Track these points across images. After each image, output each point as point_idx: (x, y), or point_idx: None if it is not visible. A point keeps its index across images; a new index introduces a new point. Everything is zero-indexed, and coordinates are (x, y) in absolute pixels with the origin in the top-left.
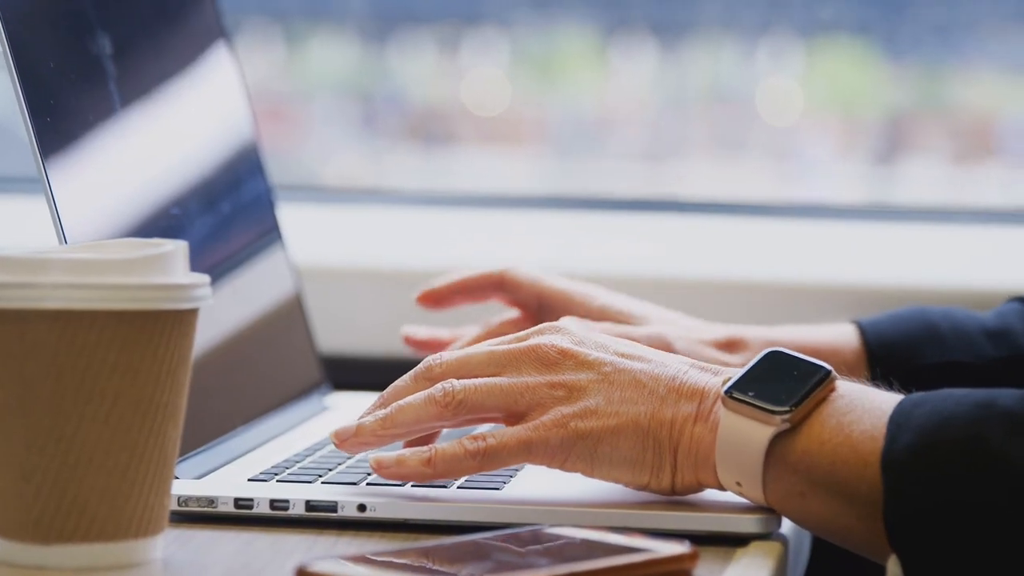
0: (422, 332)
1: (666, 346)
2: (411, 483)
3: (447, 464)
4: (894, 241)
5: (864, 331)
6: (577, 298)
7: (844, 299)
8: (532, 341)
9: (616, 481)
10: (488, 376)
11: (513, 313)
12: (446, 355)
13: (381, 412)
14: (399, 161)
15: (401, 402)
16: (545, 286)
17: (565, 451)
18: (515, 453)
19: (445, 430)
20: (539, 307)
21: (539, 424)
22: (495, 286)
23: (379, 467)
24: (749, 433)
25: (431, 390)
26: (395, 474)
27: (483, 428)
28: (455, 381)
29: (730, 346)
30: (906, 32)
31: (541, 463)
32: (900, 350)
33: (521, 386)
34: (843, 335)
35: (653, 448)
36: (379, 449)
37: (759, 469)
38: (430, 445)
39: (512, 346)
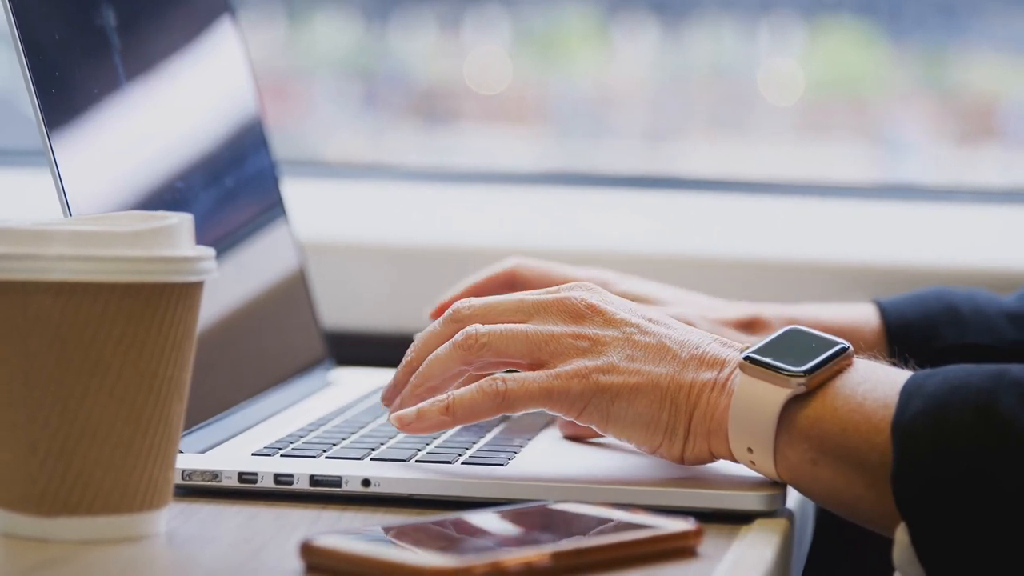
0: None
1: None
2: (418, 444)
3: (466, 409)
4: (901, 220)
5: (884, 311)
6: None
7: (849, 278)
8: (562, 294)
9: (628, 439)
10: (514, 323)
11: None
12: (476, 300)
13: (416, 373)
14: (400, 139)
15: (430, 357)
16: (556, 276)
17: (583, 402)
18: (536, 399)
19: None
20: None
21: (561, 373)
22: (506, 284)
23: (401, 424)
24: (764, 396)
25: (455, 337)
26: (418, 428)
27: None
28: (479, 326)
29: (750, 325)
30: (909, 13)
31: (559, 411)
32: (919, 331)
33: (546, 334)
34: (863, 315)
35: (669, 410)
36: None
37: (771, 433)
38: (447, 393)
39: (541, 296)
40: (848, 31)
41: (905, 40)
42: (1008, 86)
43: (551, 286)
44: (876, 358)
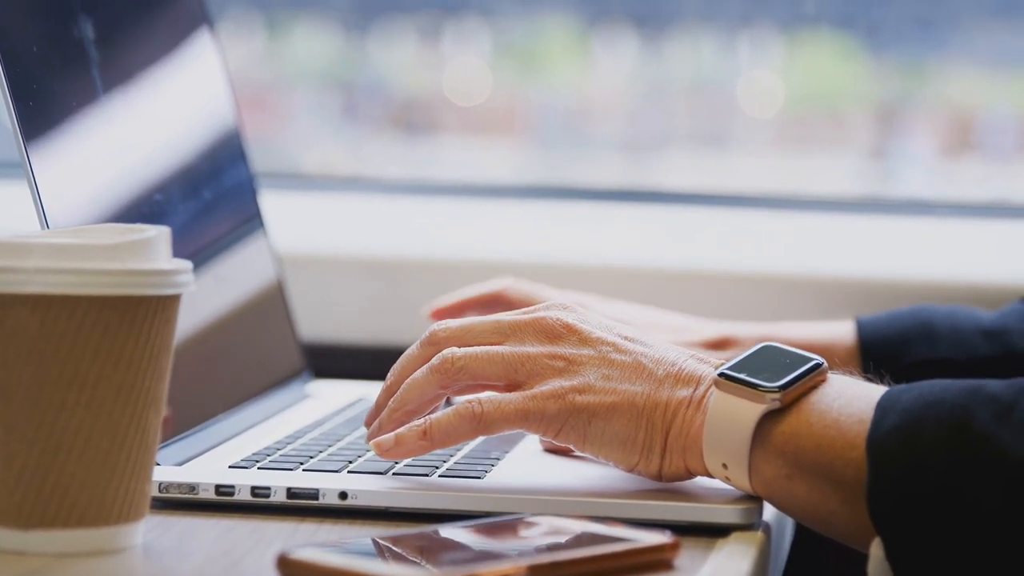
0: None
1: None
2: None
3: (443, 433)
4: (883, 233)
5: (860, 328)
6: None
7: (831, 291)
8: (538, 314)
9: (606, 458)
10: (490, 344)
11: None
12: (452, 322)
13: (394, 397)
14: (380, 150)
15: (407, 381)
16: (539, 300)
17: (560, 422)
18: (512, 421)
19: None
20: None
21: (537, 394)
22: (495, 302)
23: (380, 451)
24: (739, 411)
25: (432, 361)
26: (397, 454)
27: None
28: (456, 349)
29: (721, 345)
30: (888, 26)
31: (536, 432)
32: (891, 347)
33: (521, 355)
34: (839, 332)
35: (646, 429)
36: None
37: (746, 449)
38: (425, 417)
39: (517, 317)
40: (827, 44)
41: (884, 53)
42: (987, 99)
43: None
44: (852, 374)
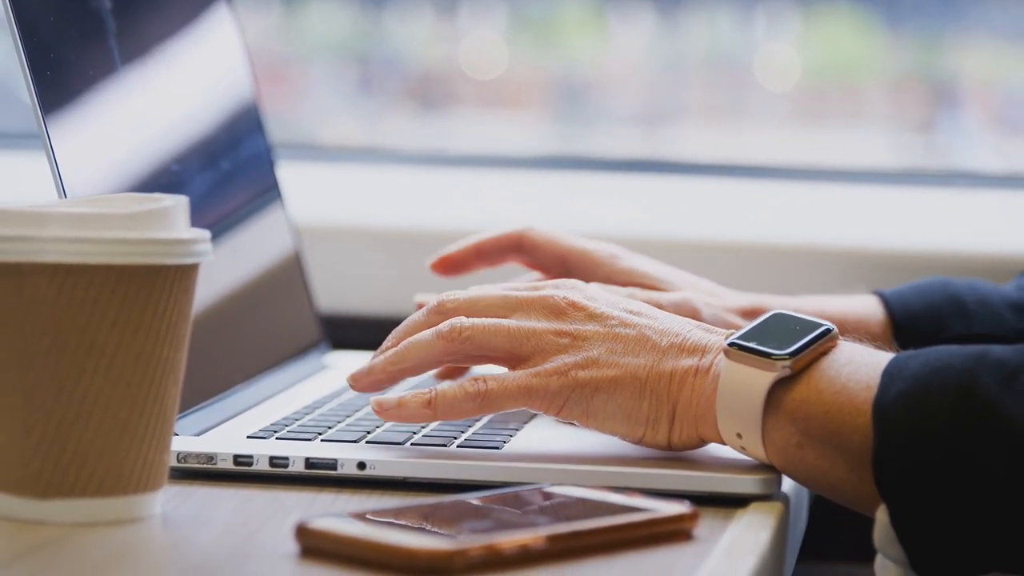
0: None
1: (693, 312)
2: (413, 427)
3: (447, 406)
4: (897, 205)
5: (888, 302)
6: (601, 259)
7: (846, 262)
8: (546, 291)
9: (611, 432)
10: (497, 318)
11: (533, 275)
12: (460, 293)
13: (391, 351)
14: (396, 124)
15: (410, 339)
16: (566, 246)
17: (562, 398)
18: (515, 398)
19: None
20: (562, 268)
21: (540, 371)
22: (514, 248)
23: (380, 409)
24: (750, 380)
25: (439, 326)
26: (396, 415)
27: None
28: (464, 318)
29: (754, 314)
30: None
31: (539, 409)
32: (925, 322)
33: (527, 330)
34: (868, 307)
35: (650, 401)
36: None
37: (759, 417)
38: (430, 387)
39: (525, 293)
40: (845, 17)
41: (902, 26)
42: (1006, 73)
43: (557, 255)
44: (861, 341)
